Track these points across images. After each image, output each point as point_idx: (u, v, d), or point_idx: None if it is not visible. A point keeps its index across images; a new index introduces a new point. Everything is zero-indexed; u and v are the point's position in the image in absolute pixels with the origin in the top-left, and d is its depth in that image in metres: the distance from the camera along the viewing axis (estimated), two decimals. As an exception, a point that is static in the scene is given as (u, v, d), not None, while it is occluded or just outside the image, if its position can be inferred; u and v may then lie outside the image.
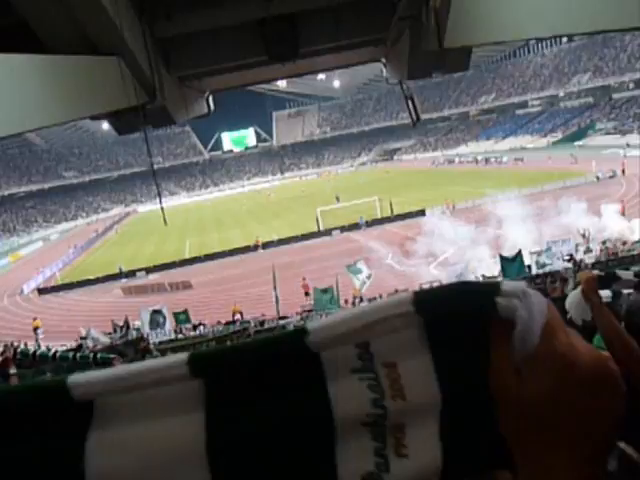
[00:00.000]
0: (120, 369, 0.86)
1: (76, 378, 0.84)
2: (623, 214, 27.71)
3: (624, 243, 24.00)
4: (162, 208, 12.34)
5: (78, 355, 5.09)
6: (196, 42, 7.33)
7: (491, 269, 22.43)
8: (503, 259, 19.66)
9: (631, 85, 66.83)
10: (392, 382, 0.94)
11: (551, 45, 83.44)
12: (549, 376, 0.95)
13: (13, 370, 4.67)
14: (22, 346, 18.28)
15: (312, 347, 0.91)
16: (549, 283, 9.69)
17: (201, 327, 20.81)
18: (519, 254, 19.93)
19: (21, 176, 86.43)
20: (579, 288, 2.35)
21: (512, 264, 19.19)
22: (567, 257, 18.44)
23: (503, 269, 19.38)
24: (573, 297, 2.41)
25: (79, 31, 5.14)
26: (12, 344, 19.69)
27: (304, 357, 0.91)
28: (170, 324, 20.63)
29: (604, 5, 2.69)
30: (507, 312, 0.92)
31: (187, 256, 39.12)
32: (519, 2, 3.88)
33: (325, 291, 21.48)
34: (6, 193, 79.91)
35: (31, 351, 5.67)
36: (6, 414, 0.82)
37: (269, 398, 0.90)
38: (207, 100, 9.82)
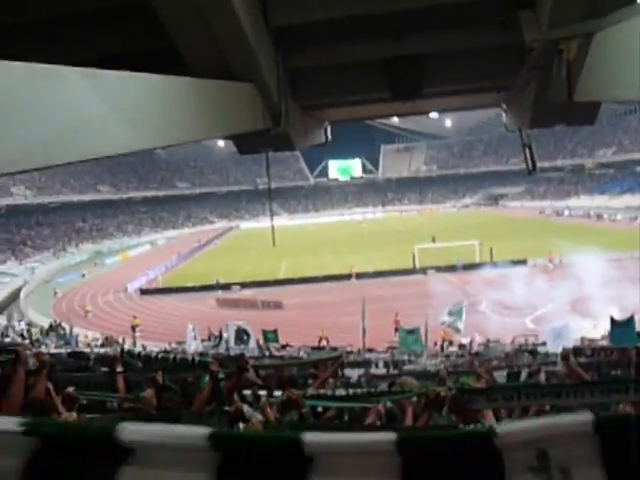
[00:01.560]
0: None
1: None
2: None
3: None
4: (272, 228, 12.69)
5: (178, 357, 5.33)
6: (323, 75, 7.60)
7: (592, 332, 21.20)
8: (613, 322, 18.34)
9: None
10: None
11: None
12: None
13: (120, 368, 4.95)
14: (126, 346, 19.39)
15: (498, 446, 1.06)
16: None
17: (287, 348, 21.05)
18: (632, 319, 18.54)
19: (139, 182, 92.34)
20: None
21: (623, 329, 17.85)
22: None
23: (612, 333, 18.09)
24: None
25: (221, 58, 5.53)
26: (118, 342, 20.92)
27: (489, 456, 1.06)
28: (254, 341, 21.04)
29: None
30: None
31: (282, 276, 39.81)
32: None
33: (411, 332, 21.16)
34: (124, 197, 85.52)
35: (136, 352, 6.02)
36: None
37: None
38: (325, 130, 10.13)
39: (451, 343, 22.98)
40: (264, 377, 5.95)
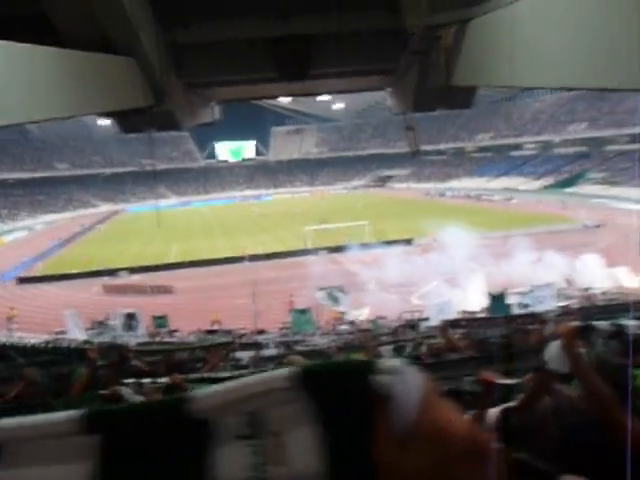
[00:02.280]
0: (26, 420, 0.98)
1: None
2: (607, 264, 28.01)
3: (604, 293, 24.31)
4: (157, 209, 12.26)
5: (50, 346, 5.07)
6: (208, 52, 7.41)
7: (472, 305, 22.59)
8: (491, 296, 19.89)
9: (624, 139, 68.19)
10: (276, 450, 0.97)
11: (551, 92, 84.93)
12: (428, 449, 0.97)
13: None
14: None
15: (195, 414, 0.97)
16: (529, 324, 9.84)
17: (177, 333, 20.66)
18: (503, 293, 20.15)
19: (13, 163, 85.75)
20: (559, 340, 2.40)
21: (497, 302, 19.41)
22: (562, 304, 18.60)
23: (490, 306, 19.56)
24: (553, 349, 2.44)
25: (97, 29, 5.20)
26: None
27: (184, 424, 0.98)
28: (144, 327, 20.48)
29: (609, 65, 2.79)
30: (383, 389, 0.95)
31: (172, 260, 38.89)
32: (528, 52, 3.99)
33: (303, 312, 21.55)
34: (-4, 178, 79.26)
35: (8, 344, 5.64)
36: None
37: (152, 462, 0.97)
38: (213, 109, 9.89)
39: (342, 322, 23.61)
40: (152, 363, 5.77)
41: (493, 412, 2.86)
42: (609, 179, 62.86)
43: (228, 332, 19.36)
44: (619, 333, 2.57)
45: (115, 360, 4.02)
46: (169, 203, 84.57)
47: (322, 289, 23.54)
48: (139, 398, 2.74)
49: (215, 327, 22.62)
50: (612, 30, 2.49)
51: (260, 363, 9.41)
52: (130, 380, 3.71)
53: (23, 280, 35.91)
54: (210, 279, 33.31)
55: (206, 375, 3.96)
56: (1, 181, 79.92)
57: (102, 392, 2.92)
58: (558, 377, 2.53)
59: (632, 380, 2.63)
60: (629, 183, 59.21)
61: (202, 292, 30.57)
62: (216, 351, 6.39)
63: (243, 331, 20.14)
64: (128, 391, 2.76)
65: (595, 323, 2.56)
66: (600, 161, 69.57)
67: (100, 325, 20.03)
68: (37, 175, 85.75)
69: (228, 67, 7.67)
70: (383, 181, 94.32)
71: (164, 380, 3.83)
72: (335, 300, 23.07)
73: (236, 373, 4.08)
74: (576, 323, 2.62)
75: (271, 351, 14.42)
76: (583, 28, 2.83)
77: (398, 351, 8.15)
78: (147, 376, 4.15)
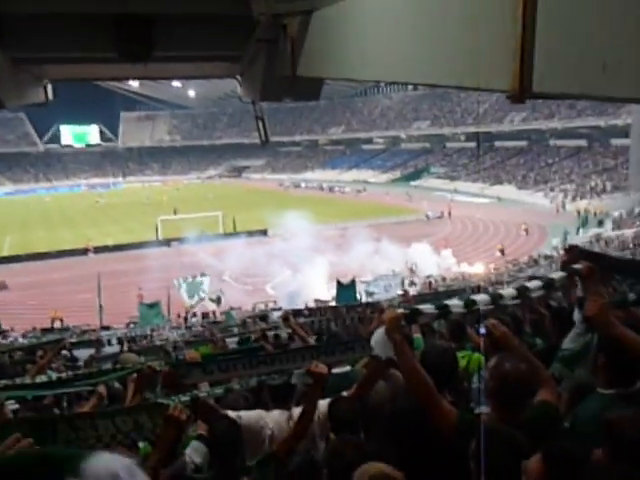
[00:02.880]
0: None
1: None
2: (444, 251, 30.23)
3: (444, 279, 26.25)
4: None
5: None
6: (39, 24, 6.75)
7: (324, 294, 23.31)
8: (339, 285, 20.45)
9: (462, 137, 74.09)
10: None
11: (398, 90, 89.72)
12: None
13: None
14: None
15: None
16: (369, 313, 10.22)
17: (11, 334, 19.01)
18: (353, 282, 20.83)
19: None
20: (384, 326, 2.46)
21: (346, 290, 20.03)
22: (401, 292, 19.63)
23: (338, 294, 20.12)
24: (378, 335, 2.50)
25: None
26: None
27: None
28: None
29: (443, 61, 2.89)
30: None
31: (5, 253, 36.19)
32: (372, 45, 4.02)
33: (152, 306, 21.02)
34: None
35: None
36: None
37: None
38: (45, 88, 9.07)
39: (195, 315, 23.25)
40: None
41: (323, 404, 2.90)
42: (450, 173, 68.00)
43: (66, 329, 18.21)
44: (443, 315, 2.65)
45: None
46: (3, 191, 77.66)
47: (181, 278, 23.11)
48: None
49: (56, 325, 21.24)
50: (464, 27, 2.56)
51: (98, 361, 8.93)
52: None
53: None
54: (51, 273, 31.30)
55: (18, 381, 3.58)
56: None
57: None
58: (392, 363, 2.60)
59: (455, 362, 2.80)
60: (467, 177, 64.61)
61: (41, 287, 28.67)
62: (44, 352, 5.89)
63: (86, 327, 19.21)
64: None
65: (421, 307, 2.61)
66: (441, 157, 75.01)
67: None
68: None
69: (62, 43, 7.04)
70: (239, 171, 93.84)
71: None
72: (196, 287, 22.81)
73: (64, 376, 3.78)
74: (399, 309, 2.70)
75: (114, 348, 13.86)
76: (434, 23, 2.88)
77: (243, 343, 8.15)
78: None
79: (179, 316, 22.87)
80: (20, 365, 6.04)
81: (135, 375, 3.42)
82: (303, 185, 74.79)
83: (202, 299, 24.16)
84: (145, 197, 64.91)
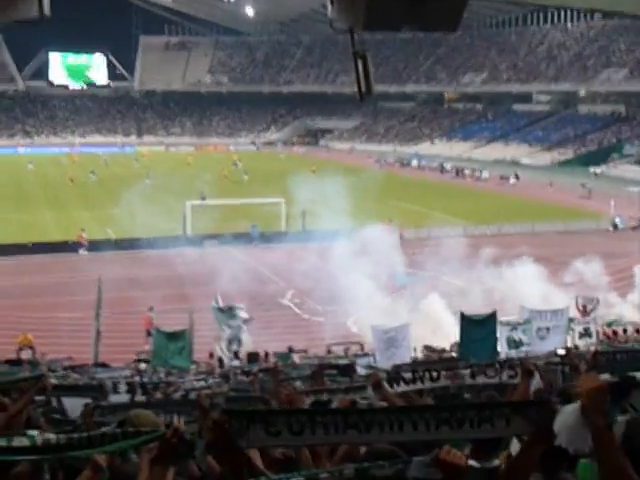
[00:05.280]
0: None
1: None
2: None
3: (638, 331, 25.52)
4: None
5: None
6: None
7: (437, 336, 23.25)
8: (466, 320, 19.70)
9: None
10: None
11: (578, 18, 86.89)
12: None
13: None
14: None
15: None
16: (506, 377, 9.13)
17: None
18: (492, 317, 19.98)
19: None
20: (577, 403, 2.55)
21: (478, 331, 19.36)
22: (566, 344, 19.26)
23: (462, 339, 19.47)
24: (568, 416, 2.61)
25: None
26: None
27: None
28: None
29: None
30: None
31: None
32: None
33: (174, 336, 21.01)
34: None
35: None
36: None
37: None
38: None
39: (237, 355, 23.71)
40: None
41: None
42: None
43: (35, 364, 18.95)
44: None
45: None
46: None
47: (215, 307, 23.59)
48: None
49: (24, 356, 22.13)
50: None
51: (103, 415, 9.16)
52: None
53: None
54: (22, 277, 32.59)
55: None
56: None
57: None
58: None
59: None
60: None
61: (7, 298, 29.62)
62: (20, 394, 6.25)
63: (68, 363, 19.62)
64: None
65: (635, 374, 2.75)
66: (644, 129, 72.37)
67: None
68: None
69: None
70: (315, 137, 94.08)
71: None
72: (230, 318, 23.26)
73: (50, 439, 3.93)
74: (603, 376, 2.84)
75: (122, 397, 14.12)
76: None
77: (323, 404, 8.15)
78: None
79: (211, 356, 23.26)
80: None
81: (152, 445, 3.55)
82: (414, 163, 74.71)
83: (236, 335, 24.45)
84: (169, 168, 66.62)
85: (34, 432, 4.27)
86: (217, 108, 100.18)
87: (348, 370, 18.26)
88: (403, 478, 3.27)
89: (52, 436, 3.95)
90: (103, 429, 4.16)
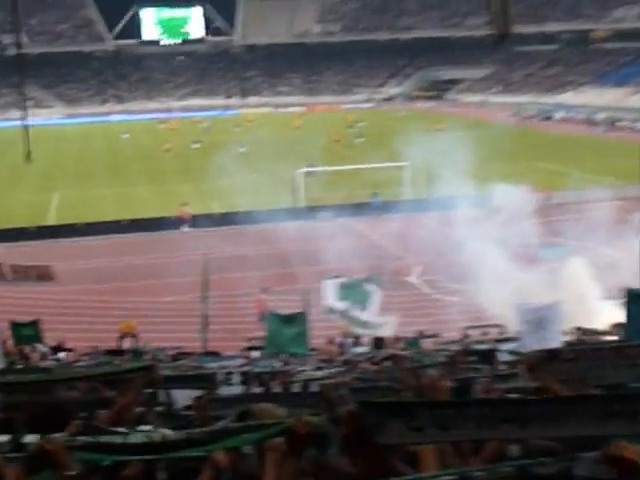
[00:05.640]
0: None
1: None
2: None
3: None
4: (26, 130, 11.16)
5: None
6: None
7: (599, 317, 22.03)
8: (634, 296, 18.79)
9: None
10: None
11: None
12: None
13: None
14: None
15: None
16: None
17: (63, 354, 19.98)
18: None
19: None
20: None
21: None
22: None
23: (630, 317, 18.55)
24: None
25: None
26: None
27: None
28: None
29: None
30: None
31: (53, 221, 38.82)
32: None
33: (290, 319, 20.80)
34: None
35: None
36: None
37: None
38: None
39: (357, 340, 23.30)
40: (8, 407, 5.62)
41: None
42: None
43: (139, 353, 18.85)
44: None
45: None
46: (49, 117, 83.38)
47: (331, 277, 23.03)
48: None
49: (125, 344, 22.12)
50: None
51: (215, 409, 8.67)
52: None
53: None
54: (120, 257, 33.03)
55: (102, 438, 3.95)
56: None
57: None
58: None
59: None
60: None
61: (104, 280, 30.11)
62: (128, 386, 6.12)
63: (174, 351, 19.76)
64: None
65: None
66: None
67: None
68: None
69: None
70: (440, 89, 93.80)
71: (30, 440, 3.83)
72: (359, 301, 22.70)
73: (158, 435, 4.10)
74: None
75: (234, 389, 14.03)
76: None
77: (460, 394, 7.65)
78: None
79: (331, 342, 22.87)
80: (85, 407, 6.12)
81: (276, 442, 3.63)
82: (557, 116, 74.27)
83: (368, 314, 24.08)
84: (277, 131, 67.14)
85: (148, 428, 4.53)
86: (328, 62, 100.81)
87: (489, 356, 17.85)
88: (569, 476, 3.34)
89: (169, 432, 4.21)
90: (221, 423, 4.53)
